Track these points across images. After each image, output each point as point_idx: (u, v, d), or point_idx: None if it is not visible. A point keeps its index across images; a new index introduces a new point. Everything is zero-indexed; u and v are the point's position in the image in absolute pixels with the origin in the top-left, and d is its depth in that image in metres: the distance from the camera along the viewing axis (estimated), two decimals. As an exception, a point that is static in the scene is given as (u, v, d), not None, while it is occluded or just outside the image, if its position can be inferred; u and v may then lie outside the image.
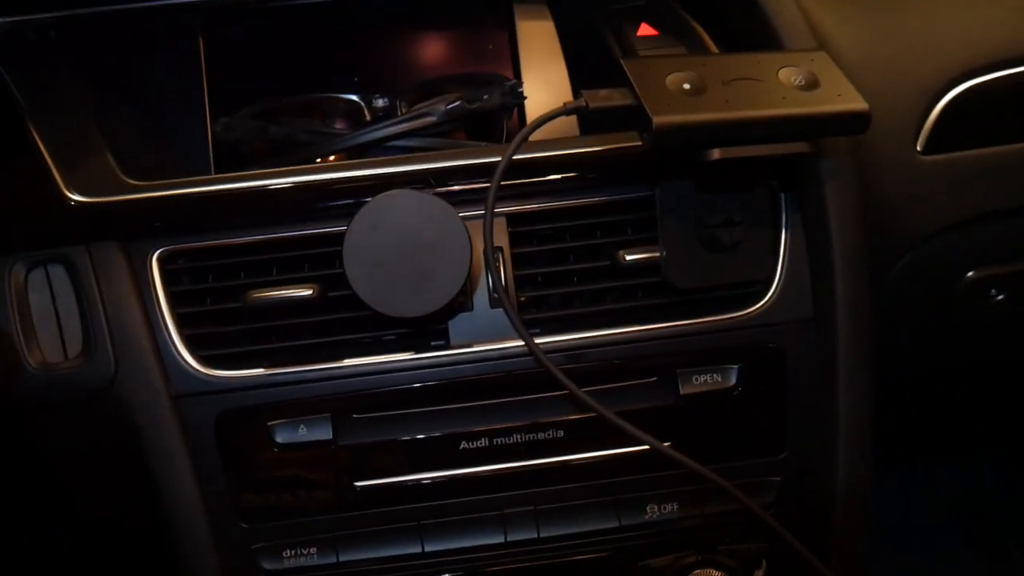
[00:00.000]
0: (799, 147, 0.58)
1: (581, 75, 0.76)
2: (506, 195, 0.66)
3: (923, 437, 1.21)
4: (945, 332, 0.83)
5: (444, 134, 0.72)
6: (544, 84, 0.76)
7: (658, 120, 0.54)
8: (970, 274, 0.78)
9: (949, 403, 1.06)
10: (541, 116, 0.57)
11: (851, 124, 0.58)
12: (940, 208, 0.73)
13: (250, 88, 0.76)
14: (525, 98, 0.72)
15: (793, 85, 0.58)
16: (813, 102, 0.57)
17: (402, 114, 0.74)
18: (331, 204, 0.65)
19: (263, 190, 0.63)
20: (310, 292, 0.64)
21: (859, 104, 0.58)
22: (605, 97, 0.57)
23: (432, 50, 0.79)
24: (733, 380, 0.66)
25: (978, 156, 0.74)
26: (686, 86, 0.57)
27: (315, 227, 0.65)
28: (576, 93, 0.75)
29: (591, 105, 0.57)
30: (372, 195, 0.60)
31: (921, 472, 1.37)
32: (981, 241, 0.77)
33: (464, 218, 0.62)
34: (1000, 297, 0.79)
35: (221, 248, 0.65)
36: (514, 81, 0.72)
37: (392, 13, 0.78)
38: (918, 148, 0.73)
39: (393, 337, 0.66)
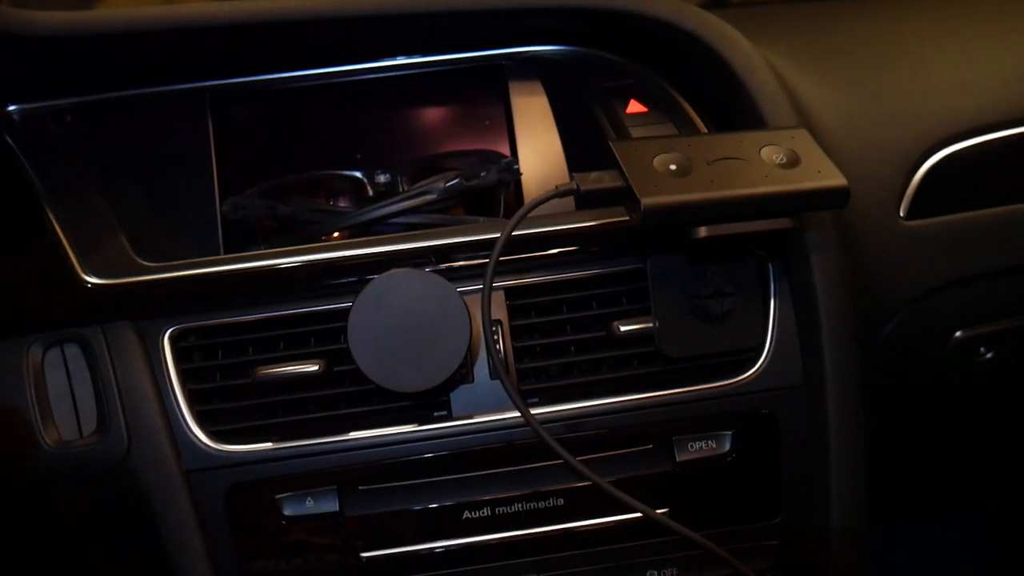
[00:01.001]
0: (782, 223, 0.61)
1: (575, 148, 0.79)
2: (504, 270, 0.69)
3: (925, 491, 1.22)
4: (937, 390, 0.85)
5: (444, 210, 0.74)
6: (540, 158, 0.79)
7: (646, 202, 0.57)
8: (958, 334, 0.80)
9: (948, 457, 1.07)
10: (535, 199, 0.60)
11: (831, 200, 0.60)
12: (925, 271, 0.76)
13: (257, 166, 0.79)
14: (520, 174, 0.75)
15: (775, 163, 0.61)
16: (794, 179, 0.60)
17: (403, 190, 0.77)
18: (336, 281, 0.67)
19: (271, 270, 0.66)
20: (316, 368, 0.66)
21: (838, 180, 0.60)
22: (595, 180, 0.60)
23: (431, 127, 0.82)
24: (727, 446, 0.68)
25: (960, 220, 0.76)
26: (672, 167, 0.60)
27: (320, 304, 0.68)
28: (571, 165, 0.79)
29: (582, 188, 0.60)
30: (376, 271, 0.63)
31: (927, 525, 1.37)
32: (967, 301, 0.79)
33: (464, 292, 0.65)
34: (989, 355, 0.81)
35: (230, 326, 0.68)
36: (509, 159, 0.75)
37: (393, 93, 0.81)
38: (901, 214, 0.75)
39: (397, 409, 0.68)
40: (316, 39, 0.74)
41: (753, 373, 0.68)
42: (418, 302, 0.62)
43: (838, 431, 0.66)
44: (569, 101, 0.79)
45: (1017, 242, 0.77)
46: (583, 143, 0.78)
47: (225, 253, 0.74)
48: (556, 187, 0.60)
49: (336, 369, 0.67)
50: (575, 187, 0.60)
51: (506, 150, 0.79)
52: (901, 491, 1.13)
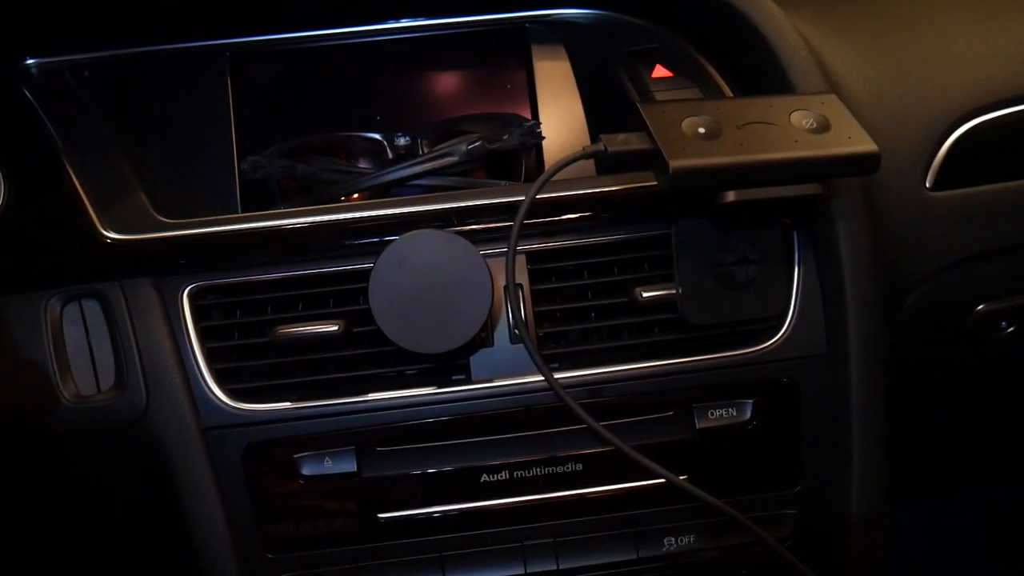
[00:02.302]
0: (811, 189, 0.60)
1: (597, 113, 0.78)
2: (526, 233, 0.68)
3: (942, 465, 1.22)
4: (957, 363, 0.84)
5: (464, 173, 0.74)
6: (561, 123, 0.78)
7: (675, 164, 0.56)
8: (980, 307, 0.79)
9: (965, 432, 1.07)
10: (562, 160, 0.59)
11: (861, 165, 0.59)
12: (950, 243, 0.75)
13: (276, 126, 0.78)
14: (543, 138, 0.74)
15: (805, 128, 0.60)
16: (824, 145, 0.59)
17: (423, 153, 0.76)
18: (356, 242, 0.67)
19: (290, 229, 0.65)
20: (336, 328, 0.66)
21: (869, 146, 0.59)
22: (623, 141, 0.59)
23: (452, 90, 0.81)
24: (748, 414, 0.68)
25: (986, 192, 0.75)
26: (701, 130, 0.59)
27: (341, 264, 0.67)
28: (592, 131, 0.78)
29: (610, 149, 0.59)
30: (396, 233, 0.62)
31: (943, 499, 1.37)
32: (991, 275, 0.78)
33: (485, 255, 0.64)
34: (1011, 329, 0.81)
35: (250, 284, 0.67)
36: (533, 122, 0.74)
37: (414, 54, 0.80)
38: (927, 185, 0.74)
39: (416, 372, 0.68)
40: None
41: (776, 341, 0.67)
42: (440, 264, 0.61)
43: (861, 401, 0.66)
44: (592, 66, 0.78)
45: (1044, 216, 0.77)
46: (604, 109, 0.77)
47: (243, 212, 0.73)
48: (584, 148, 0.59)
49: (356, 330, 0.66)
50: (603, 148, 0.59)
51: (527, 114, 0.78)
52: (913, 468, 1.13)
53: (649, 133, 0.59)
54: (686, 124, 0.59)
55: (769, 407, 0.68)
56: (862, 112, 0.74)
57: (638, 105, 0.60)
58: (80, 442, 0.68)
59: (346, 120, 0.79)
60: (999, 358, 0.85)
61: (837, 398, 0.67)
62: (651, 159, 0.59)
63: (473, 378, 0.67)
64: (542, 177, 0.59)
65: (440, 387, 0.67)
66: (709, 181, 0.58)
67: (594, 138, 0.75)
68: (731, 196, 0.59)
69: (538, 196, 0.62)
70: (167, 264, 0.67)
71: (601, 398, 0.67)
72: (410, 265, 0.61)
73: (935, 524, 1.34)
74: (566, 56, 0.79)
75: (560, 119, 0.78)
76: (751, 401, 0.67)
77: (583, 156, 0.59)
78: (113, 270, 0.67)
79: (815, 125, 0.60)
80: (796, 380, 0.68)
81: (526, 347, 0.60)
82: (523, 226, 0.66)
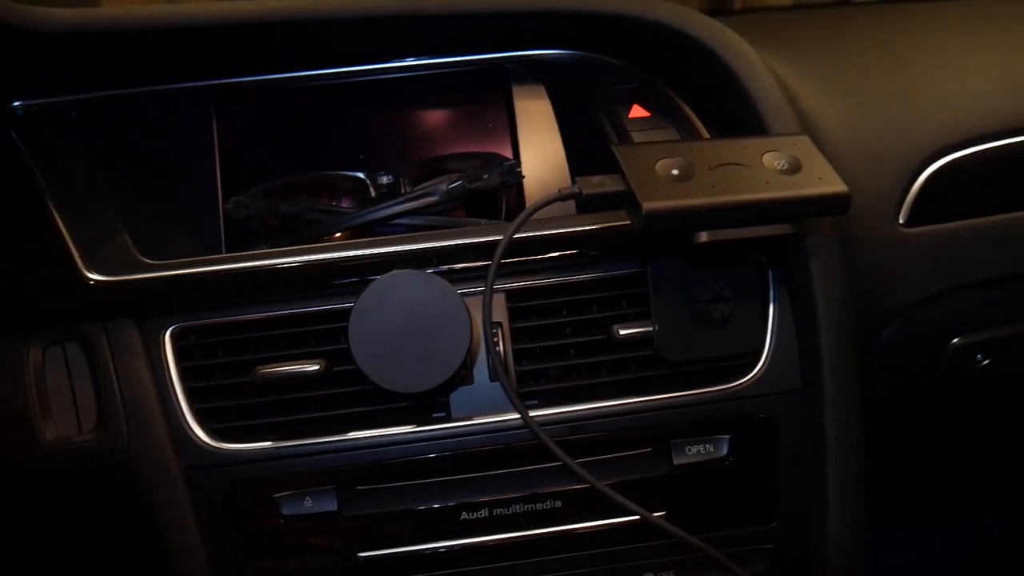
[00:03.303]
0: (782, 229, 0.61)
1: (577, 152, 0.79)
2: (506, 272, 0.69)
3: (923, 493, 1.22)
4: (934, 396, 0.85)
5: (446, 212, 0.75)
6: (542, 161, 0.79)
7: (647, 206, 0.57)
8: (955, 340, 0.80)
9: (943, 460, 1.08)
10: (537, 202, 0.60)
11: (832, 206, 0.60)
12: (923, 278, 0.76)
13: (261, 166, 0.79)
14: (523, 177, 0.75)
15: (776, 169, 0.61)
16: (795, 186, 0.60)
17: (406, 191, 0.77)
18: (337, 282, 0.67)
19: (272, 269, 0.66)
20: (317, 367, 0.66)
21: (839, 187, 0.60)
22: (598, 184, 0.60)
23: (435, 129, 0.83)
24: (725, 450, 0.68)
25: (959, 228, 0.77)
26: (675, 172, 0.60)
27: (322, 304, 0.68)
28: (572, 169, 0.79)
29: (584, 192, 0.60)
30: (377, 272, 0.63)
31: (925, 529, 1.37)
32: (965, 308, 0.79)
33: (465, 294, 0.65)
34: (986, 362, 0.82)
35: (231, 324, 0.68)
36: (512, 162, 0.75)
37: (397, 94, 0.81)
38: (900, 221, 0.76)
39: (397, 410, 0.68)
40: (320, 40, 0.74)
41: (752, 378, 0.68)
42: (419, 303, 0.62)
43: (836, 436, 0.67)
44: (572, 104, 0.80)
45: (1014, 250, 0.78)
46: (585, 147, 0.79)
47: (228, 252, 0.74)
48: (559, 190, 0.61)
49: (336, 369, 0.67)
50: (578, 191, 0.60)
51: (509, 153, 0.79)
52: (893, 495, 1.13)
53: (623, 175, 0.60)
54: (660, 166, 0.60)
55: (746, 443, 0.68)
56: (837, 149, 0.76)
57: (613, 147, 0.62)
58: (61, 482, 0.68)
59: (330, 159, 0.80)
60: (975, 390, 0.86)
61: (813, 433, 0.68)
62: (626, 200, 0.60)
63: (453, 416, 0.68)
64: (518, 219, 0.60)
65: (420, 425, 0.67)
66: (682, 222, 0.59)
67: (574, 177, 0.77)
68: (704, 237, 0.60)
69: (516, 236, 0.63)
70: (150, 306, 0.68)
71: (580, 435, 0.68)
72: (389, 305, 0.62)
73: (917, 551, 1.34)
74: (546, 96, 0.80)
75: (541, 157, 0.79)
76: (727, 437, 0.68)
77: (558, 198, 0.60)
78: (97, 312, 0.67)
79: (787, 166, 0.62)
80: (772, 416, 0.68)
81: (503, 386, 0.60)
82: (502, 265, 0.67)
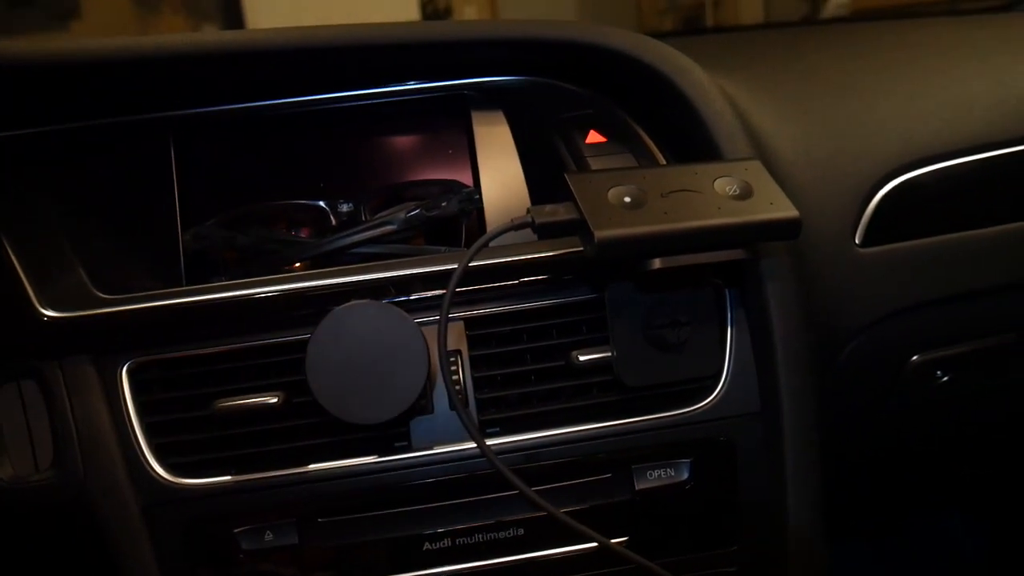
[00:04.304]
0: (735, 254, 0.61)
1: (537, 177, 0.80)
2: (464, 300, 0.69)
3: (890, 508, 1.23)
4: (895, 411, 0.86)
5: (405, 240, 0.75)
6: (502, 187, 0.79)
7: (599, 235, 0.58)
8: (915, 358, 0.81)
9: (907, 472, 1.08)
10: (490, 233, 0.60)
11: (782, 231, 0.61)
12: (881, 298, 0.77)
13: (221, 196, 0.79)
14: (480, 205, 0.76)
15: (728, 195, 0.62)
16: (746, 211, 0.61)
17: (366, 219, 0.77)
18: (296, 313, 0.67)
19: (229, 302, 0.66)
20: (275, 400, 0.66)
21: (790, 212, 0.61)
22: (550, 212, 0.61)
23: (395, 156, 0.83)
24: (686, 474, 0.68)
25: (913, 247, 0.78)
26: (627, 199, 0.60)
27: (280, 336, 0.68)
28: (532, 194, 0.79)
29: (537, 221, 0.60)
30: (335, 302, 0.63)
31: (896, 541, 1.38)
32: (923, 326, 0.80)
33: (424, 324, 0.65)
34: (945, 379, 0.83)
35: (189, 359, 0.67)
36: (470, 189, 0.76)
37: (357, 122, 0.81)
38: (856, 241, 0.77)
39: (357, 440, 0.68)
40: (276, 70, 0.75)
41: (710, 401, 0.68)
42: (376, 334, 0.62)
43: (794, 458, 0.67)
44: (530, 131, 0.80)
45: (969, 268, 0.79)
46: (546, 171, 0.79)
47: (187, 284, 0.74)
48: (512, 220, 0.61)
49: (296, 400, 0.67)
50: (530, 220, 0.60)
51: (469, 179, 0.80)
52: (863, 506, 1.14)
53: (576, 203, 0.60)
54: (612, 194, 0.61)
55: (706, 466, 0.68)
56: (792, 172, 0.77)
57: (566, 175, 0.62)
58: (17, 522, 0.68)
59: (292, 187, 0.80)
60: (936, 405, 0.87)
61: (772, 455, 0.68)
62: (579, 229, 0.60)
63: (415, 446, 0.68)
64: (471, 249, 0.60)
65: (381, 455, 0.67)
66: (635, 250, 0.59)
67: (535, 202, 0.77)
68: (657, 263, 0.60)
69: (473, 264, 0.63)
70: (107, 341, 0.67)
71: (541, 462, 0.68)
72: (346, 336, 0.62)
73: (883, 560, 1.35)
74: (505, 122, 0.80)
75: (501, 183, 0.79)
76: (688, 461, 0.68)
77: (510, 228, 0.61)
78: (52, 349, 0.66)
79: (738, 191, 0.62)
80: (732, 438, 0.69)
81: (459, 416, 0.60)
82: (460, 293, 0.67)
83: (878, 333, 0.77)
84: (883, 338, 0.78)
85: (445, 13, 4.92)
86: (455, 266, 0.62)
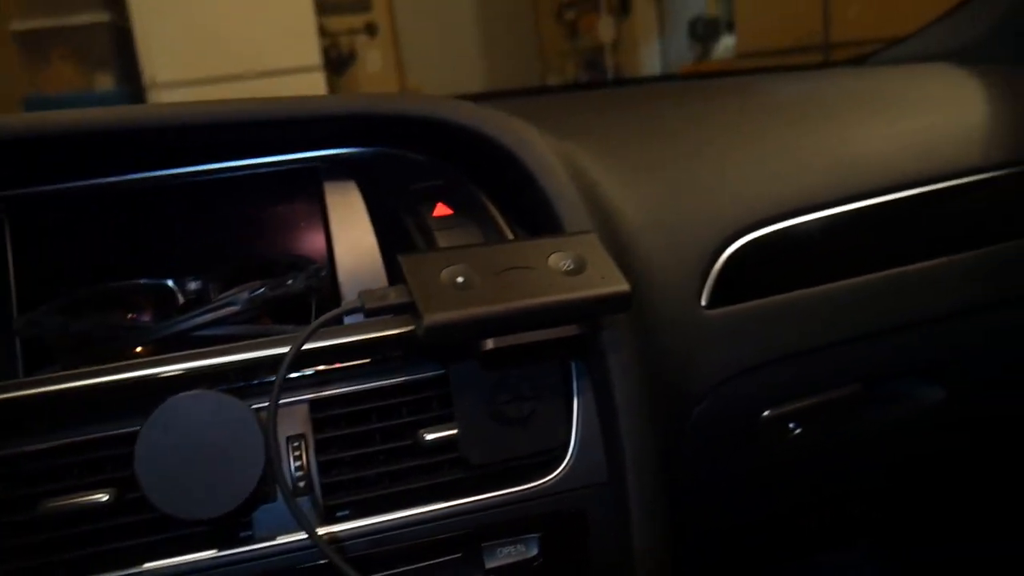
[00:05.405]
0: (568, 331, 0.62)
1: (391, 249, 0.79)
2: (307, 383, 0.68)
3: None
4: (753, 466, 0.88)
5: (252, 320, 0.73)
6: (355, 260, 0.78)
7: (428, 319, 0.57)
8: (766, 413, 0.83)
9: (773, 526, 1.11)
10: (320, 320, 0.60)
11: (614, 305, 0.62)
12: (726, 358, 0.79)
13: (63, 277, 0.76)
14: (326, 282, 0.75)
15: (561, 270, 0.63)
16: (578, 287, 0.62)
17: (214, 298, 0.75)
18: (128, 403, 0.65)
19: (46, 395, 0.62)
20: (106, 497, 0.63)
21: (621, 286, 0.62)
22: (381, 296, 0.60)
23: (247, 231, 0.81)
24: (535, 550, 0.68)
25: (757, 306, 0.80)
26: (460, 279, 0.61)
27: (111, 428, 0.65)
28: (387, 267, 0.79)
29: (367, 306, 0.60)
30: (172, 390, 0.61)
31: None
32: (773, 382, 0.83)
33: (263, 409, 0.64)
34: (798, 431, 0.85)
35: (12, 458, 0.64)
36: (316, 265, 0.75)
37: (208, 196, 0.80)
38: (703, 303, 0.78)
39: (196, 535, 0.65)
40: (117, 147, 0.73)
41: (558, 474, 0.69)
42: (210, 424, 0.60)
43: (640, 524, 0.68)
44: (382, 202, 0.80)
45: (812, 325, 0.82)
46: (401, 243, 0.79)
47: (26, 375, 0.70)
48: (342, 305, 0.60)
49: (129, 496, 0.64)
50: (360, 305, 0.60)
51: (323, 251, 0.79)
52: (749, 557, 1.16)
53: (407, 286, 0.60)
54: (445, 274, 0.61)
55: (556, 540, 0.68)
56: (639, 238, 0.79)
57: (399, 257, 0.62)
58: None
59: (140, 265, 0.78)
60: (793, 458, 0.89)
61: (619, 524, 0.69)
62: (411, 312, 0.60)
63: (257, 536, 0.65)
64: (302, 335, 0.60)
65: (222, 549, 0.65)
66: (466, 333, 0.59)
67: (390, 274, 0.77)
68: (490, 344, 0.61)
69: (310, 346, 0.62)
70: None
71: (391, 545, 0.66)
72: (178, 428, 0.60)
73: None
74: (358, 193, 0.80)
75: (355, 256, 0.79)
76: (537, 536, 0.68)
77: (340, 313, 0.60)
78: None
79: (572, 266, 0.63)
80: (581, 510, 0.69)
81: (287, 504, 0.59)
82: (304, 376, 0.66)
83: (728, 391, 0.79)
84: (734, 396, 0.80)
85: (349, 57, 4.94)
86: (287, 349, 0.60)
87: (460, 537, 0.68)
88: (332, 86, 4.52)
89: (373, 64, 5.03)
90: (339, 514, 0.67)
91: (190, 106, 0.70)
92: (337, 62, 4.84)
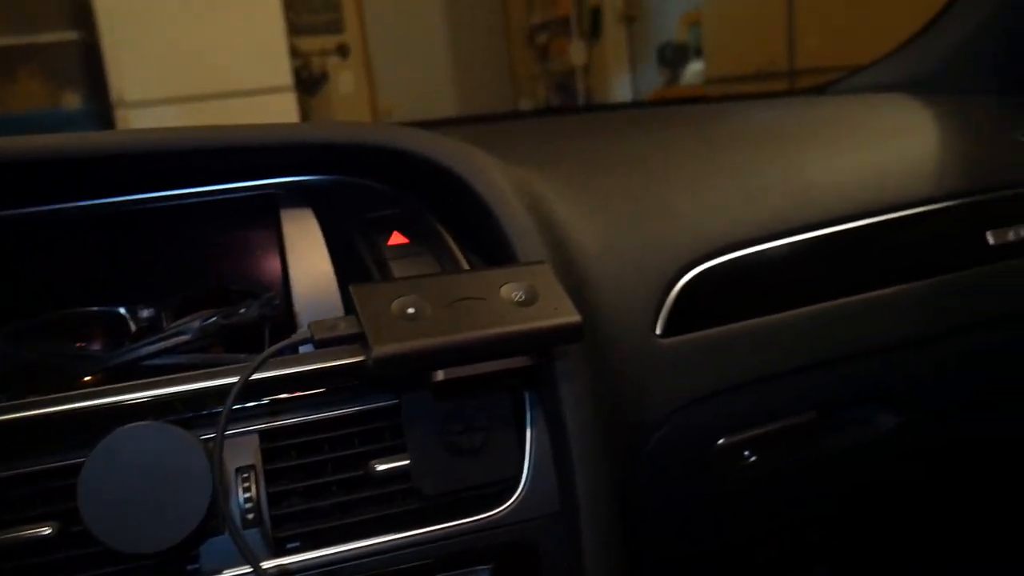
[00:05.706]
0: (519, 362, 0.62)
1: (347, 277, 0.79)
2: (257, 412, 0.67)
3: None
4: (708, 497, 0.88)
5: (203, 349, 0.72)
6: (313, 288, 0.78)
7: (377, 351, 0.57)
8: (721, 441, 0.84)
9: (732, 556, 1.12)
10: (268, 351, 0.59)
11: (565, 336, 0.62)
12: (681, 386, 0.79)
13: (15, 303, 0.75)
14: (279, 310, 0.74)
15: (513, 301, 0.63)
16: (529, 318, 0.62)
17: (166, 327, 0.74)
18: (71, 434, 0.64)
19: None
20: (49, 531, 0.62)
21: (572, 317, 0.63)
22: (330, 327, 0.60)
23: (202, 259, 0.81)
24: None
25: (712, 335, 0.81)
26: (410, 310, 0.61)
27: (54, 460, 0.64)
28: (343, 295, 0.79)
29: (317, 336, 0.60)
30: (120, 421, 0.60)
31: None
32: (727, 410, 0.83)
33: (211, 440, 0.63)
34: (753, 459, 0.86)
35: None
36: (269, 294, 0.74)
37: (164, 223, 0.79)
38: (657, 332, 0.79)
39: (143, 568, 0.64)
40: (71, 174, 0.72)
41: (511, 504, 0.68)
42: (156, 456, 0.59)
43: (592, 553, 0.68)
44: (338, 230, 0.80)
45: (766, 353, 0.83)
46: (353, 272, 0.79)
47: None
48: (292, 336, 0.60)
49: (73, 529, 0.63)
50: (310, 335, 0.60)
51: (278, 279, 0.78)
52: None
53: (358, 317, 0.60)
54: (396, 305, 0.61)
55: (508, 571, 0.68)
56: (594, 267, 0.79)
57: (351, 288, 0.62)
58: None
59: (90, 293, 0.77)
60: (749, 485, 0.89)
61: (572, 555, 0.68)
62: (361, 342, 0.60)
63: (204, 570, 0.64)
64: (251, 365, 0.59)
65: None
66: (416, 364, 0.59)
67: (346, 302, 0.76)
68: (440, 376, 0.60)
69: (259, 376, 0.62)
70: None
71: None
72: (123, 460, 0.59)
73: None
74: (314, 220, 0.80)
75: (311, 284, 0.78)
76: (488, 567, 0.68)
77: (289, 344, 0.60)
78: None
79: (524, 297, 0.63)
80: (533, 541, 0.69)
81: (232, 536, 0.58)
82: (255, 405, 0.65)
83: (682, 420, 0.80)
84: (688, 424, 0.80)
85: (320, 78, 4.94)
86: (235, 379, 0.60)
87: (412, 569, 0.67)
88: (303, 107, 4.50)
89: (345, 85, 5.03)
90: (289, 546, 0.66)
91: (146, 133, 0.70)
92: (309, 83, 4.84)
